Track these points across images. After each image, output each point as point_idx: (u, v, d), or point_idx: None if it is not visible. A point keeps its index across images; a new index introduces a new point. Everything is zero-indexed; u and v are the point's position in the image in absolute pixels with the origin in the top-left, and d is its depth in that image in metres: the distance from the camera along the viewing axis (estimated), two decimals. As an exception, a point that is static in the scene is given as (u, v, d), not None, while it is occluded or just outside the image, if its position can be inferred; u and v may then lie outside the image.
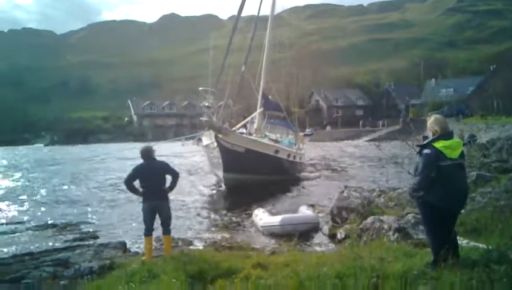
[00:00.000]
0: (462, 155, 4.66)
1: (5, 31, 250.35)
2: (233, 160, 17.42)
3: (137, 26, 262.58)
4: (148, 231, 7.50)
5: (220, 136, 17.44)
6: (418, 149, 4.78)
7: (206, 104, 17.86)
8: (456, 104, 60.08)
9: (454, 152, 4.55)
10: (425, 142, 4.69)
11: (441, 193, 4.49)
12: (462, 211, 5.30)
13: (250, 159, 17.48)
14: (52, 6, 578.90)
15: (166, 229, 7.61)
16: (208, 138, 19.40)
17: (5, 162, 44.30)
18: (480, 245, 5.50)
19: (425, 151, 4.58)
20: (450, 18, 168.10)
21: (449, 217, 4.69)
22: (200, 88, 18.05)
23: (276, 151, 19.55)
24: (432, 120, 4.77)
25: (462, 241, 5.56)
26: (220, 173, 18.55)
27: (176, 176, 7.68)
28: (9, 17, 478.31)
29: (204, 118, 17.52)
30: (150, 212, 7.50)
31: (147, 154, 7.55)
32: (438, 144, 4.53)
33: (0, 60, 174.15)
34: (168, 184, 7.59)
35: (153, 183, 7.39)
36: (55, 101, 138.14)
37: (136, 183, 7.51)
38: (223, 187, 18.47)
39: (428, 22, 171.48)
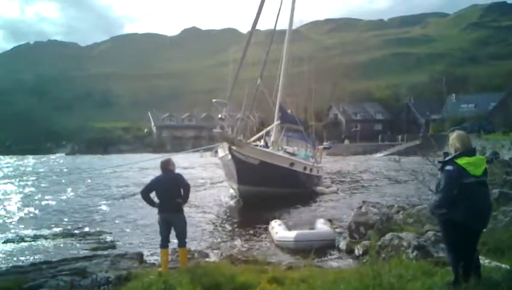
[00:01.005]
0: (485, 172, 4.55)
1: (31, 42, 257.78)
2: (247, 172, 17.30)
3: (158, 39, 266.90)
4: (164, 243, 7.59)
5: (233, 148, 17.43)
6: (440, 165, 4.69)
7: (220, 116, 17.89)
8: (477, 119, 59.20)
9: (477, 169, 4.45)
10: (447, 158, 4.59)
11: (463, 211, 4.38)
12: (484, 229, 5.16)
13: (264, 171, 17.34)
14: (78, 18, 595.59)
15: (182, 242, 7.63)
16: (223, 150, 19.43)
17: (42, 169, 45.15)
18: (503, 265, 5.35)
19: (448, 167, 4.48)
20: (472, 33, 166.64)
21: (471, 236, 4.57)
22: (213, 100, 18.12)
23: (292, 164, 19.41)
24: (454, 136, 4.67)
25: (484, 261, 5.42)
26: (235, 185, 18.54)
27: (186, 188, 7.70)
28: (36, 29, 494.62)
29: (217, 130, 17.53)
30: (165, 224, 7.57)
31: (165, 166, 7.68)
32: (461, 161, 4.43)
33: (26, 71, 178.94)
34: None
35: (167, 195, 7.49)
36: (77, 111, 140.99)
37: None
38: (239, 199, 18.42)
39: (450, 37, 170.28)
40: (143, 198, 7.70)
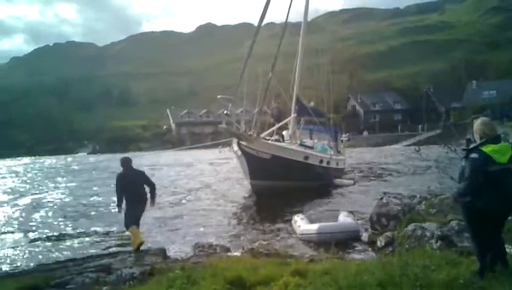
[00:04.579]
0: (510, 159, 4.46)
1: (51, 44, 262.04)
2: (259, 167, 17.26)
3: (175, 36, 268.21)
4: (130, 224, 8.91)
5: (243, 143, 17.38)
6: (464, 153, 4.61)
7: (225, 112, 17.76)
8: (499, 106, 58.01)
9: (503, 157, 4.36)
10: (472, 146, 4.52)
11: (488, 198, 4.31)
12: (510, 217, 5.07)
13: (277, 165, 17.23)
14: (96, 19, 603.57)
15: (137, 224, 9.01)
16: (235, 145, 19.43)
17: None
18: (531, 254, 5.24)
19: (473, 155, 4.41)
20: (492, 18, 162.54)
21: (496, 223, 4.51)
22: (219, 96, 17.93)
23: (306, 158, 19.26)
24: (479, 123, 4.58)
25: (510, 250, 5.32)
26: (248, 180, 18.55)
27: (153, 186, 9.12)
28: (56, 31, 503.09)
29: (222, 126, 17.44)
30: (132, 211, 8.90)
31: (127, 163, 8.90)
32: (487, 148, 4.35)
33: (46, 73, 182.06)
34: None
35: (133, 189, 8.76)
36: (97, 111, 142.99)
37: None
38: (253, 194, 18.40)
39: (469, 23, 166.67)
40: (118, 195, 8.88)
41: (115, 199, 9.25)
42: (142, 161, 35.53)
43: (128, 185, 8.83)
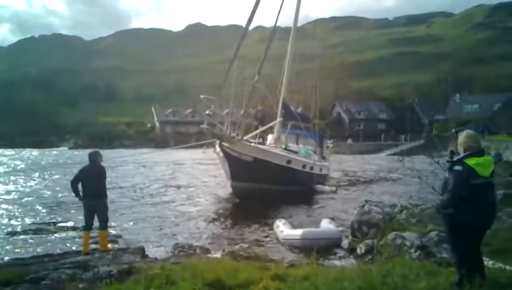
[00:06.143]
0: (492, 173, 4.51)
1: (36, 36, 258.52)
2: (241, 169, 17.29)
3: (163, 34, 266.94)
4: (87, 227, 8.81)
5: (225, 144, 17.37)
6: (448, 165, 4.65)
7: (208, 113, 17.69)
8: (481, 120, 59.03)
9: (486, 170, 4.41)
10: (456, 158, 4.55)
11: (470, 211, 4.35)
12: (488, 230, 5.13)
13: (258, 168, 17.24)
14: (86, 12, 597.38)
15: (102, 226, 8.87)
16: (218, 146, 19.36)
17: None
18: (507, 267, 5.32)
19: (457, 167, 4.44)
20: (479, 33, 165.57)
21: (476, 236, 4.55)
22: (202, 96, 17.79)
23: (289, 162, 19.32)
24: (464, 135, 4.64)
25: (488, 262, 5.39)
26: (229, 181, 18.55)
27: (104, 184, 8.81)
28: (43, 22, 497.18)
29: (204, 126, 17.35)
30: (89, 211, 8.73)
31: (94, 157, 8.78)
32: (471, 161, 4.39)
33: (30, 65, 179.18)
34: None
35: (91, 184, 8.57)
36: (82, 105, 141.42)
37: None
38: (234, 196, 18.37)
39: (456, 37, 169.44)
40: (72, 188, 8.67)
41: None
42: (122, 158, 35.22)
43: (89, 180, 8.62)
